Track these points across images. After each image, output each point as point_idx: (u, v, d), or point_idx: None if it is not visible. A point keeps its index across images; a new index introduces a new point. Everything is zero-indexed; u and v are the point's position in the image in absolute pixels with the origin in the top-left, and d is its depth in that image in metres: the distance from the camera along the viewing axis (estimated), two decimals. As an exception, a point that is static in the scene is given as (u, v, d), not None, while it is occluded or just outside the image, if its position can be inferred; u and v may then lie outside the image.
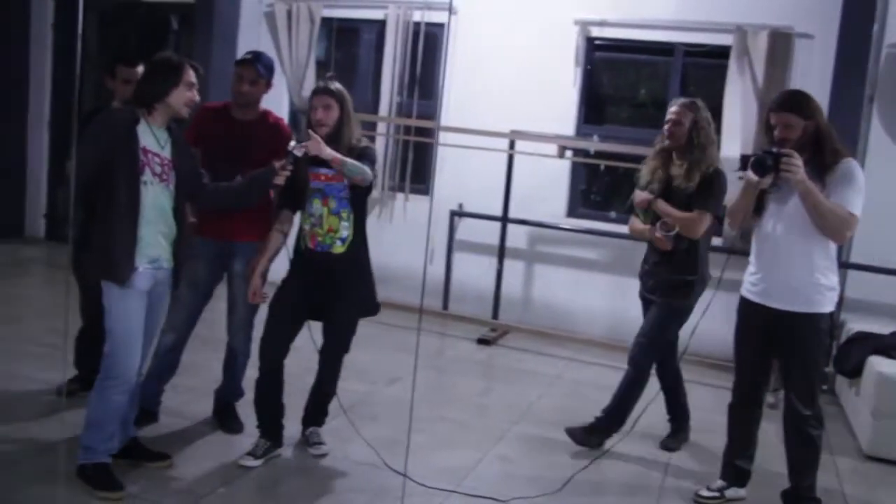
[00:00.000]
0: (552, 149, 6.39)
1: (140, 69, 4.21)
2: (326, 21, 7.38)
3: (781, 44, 6.04)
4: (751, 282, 3.72)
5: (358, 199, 3.80)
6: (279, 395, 3.97)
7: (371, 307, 3.96)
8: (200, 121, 4.08)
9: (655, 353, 4.37)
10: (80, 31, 3.13)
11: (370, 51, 7.48)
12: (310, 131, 3.64)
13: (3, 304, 6.35)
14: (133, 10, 8.22)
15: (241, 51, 7.26)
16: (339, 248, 3.79)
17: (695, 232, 4.11)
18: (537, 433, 4.62)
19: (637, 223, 4.38)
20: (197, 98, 3.52)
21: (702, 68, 6.72)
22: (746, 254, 3.86)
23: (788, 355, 3.67)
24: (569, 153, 6.69)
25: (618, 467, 4.25)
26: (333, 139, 3.69)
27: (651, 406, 4.21)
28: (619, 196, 7.18)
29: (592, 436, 4.41)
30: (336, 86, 3.79)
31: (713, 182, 4.10)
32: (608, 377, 5.80)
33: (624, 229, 6.54)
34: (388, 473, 3.82)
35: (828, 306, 3.57)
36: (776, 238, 3.59)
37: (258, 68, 4.01)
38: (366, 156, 3.74)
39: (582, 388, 5.53)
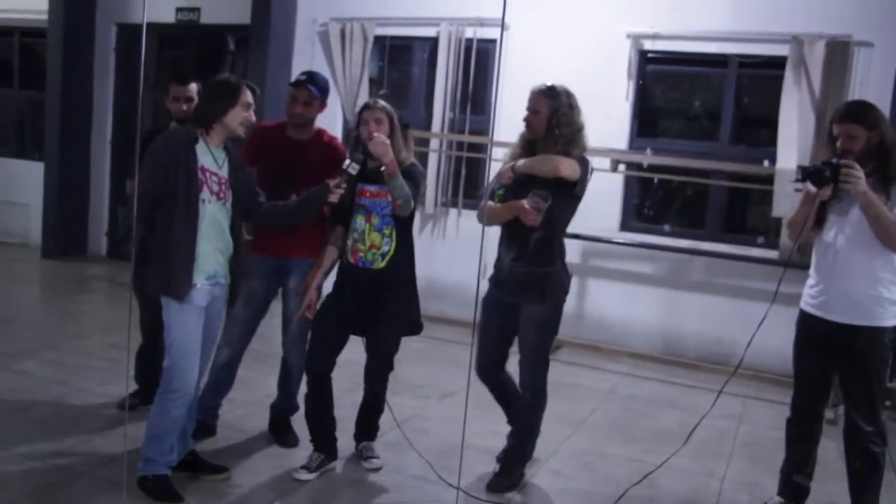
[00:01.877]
0: (605, 163, 6.39)
1: (193, 87, 4.35)
2: (379, 39, 7.50)
3: (839, 53, 5.96)
4: (811, 294, 3.65)
5: (403, 217, 3.86)
6: (329, 409, 4.03)
7: (413, 326, 3.99)
8: (256, 140, 4.19)
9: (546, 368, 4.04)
10: (143, 54, 3.24)
11: (423, 68, 7.59)
12: (375, 134, 3.70)
13: (67, 321, 6.56)
14: (190, 32, 8.47)
15: (296, 70, 7.46)
16: (380, 264, 3.85)
17: (558, 168, 3.66)
18: (591, 447, 4.62)
19: (491, 207, 3.88)
20: (253, 118, 3.62)
21: (757, 79, 6.66)
22: (804, 267, 3.81)
23: (849, 370, 3.58)
24: (622, 167, 6.69)
25: (673, 482, 4.22)
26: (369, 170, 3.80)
27: (706, 420, 4.16)
28: (672, 210, 7.16)
29: (510, 477, 4.01)
30: (384, 103, 3.90)
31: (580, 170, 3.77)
32: (662, 392, 5.79)
33: (679, 243, 6.56)
34: (442, 486, 3.86)
35: (890, 320, 3.47)
36: (837, 250, 3.51)
37: (311, 89, 4.09)
38: (410, 175, 3.80)
39: (636, 403, 5.51)
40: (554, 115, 3.77)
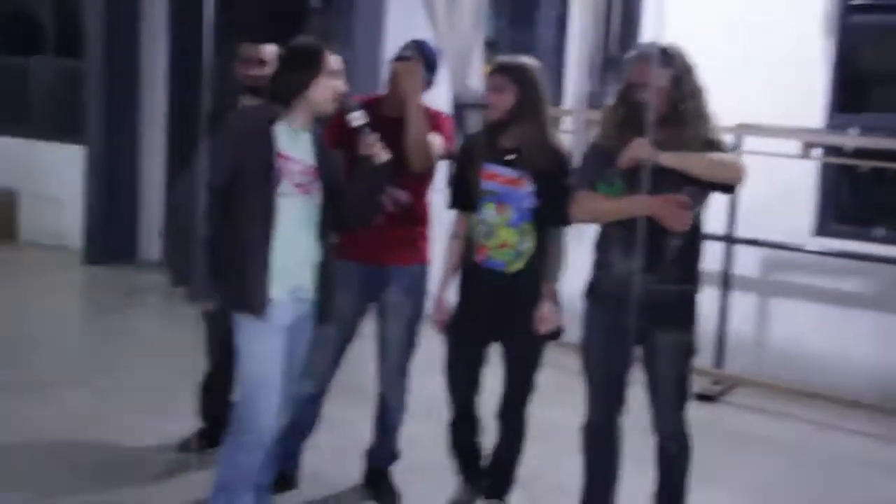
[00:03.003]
0: (793, 146, 6.24)
1: (269, 49, 4.41)
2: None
3: None
4: None
5: (548, 214, 3.87)
6: (475, 436, 4.17)
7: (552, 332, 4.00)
8: (342, 119, 4.23)
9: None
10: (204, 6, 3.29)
11: (552, 25, 7.55)
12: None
13: (116, 341, 6.78)
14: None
15: (390, 31, 7.54)
16: (513, 266, 3.88)
17: (740, 176, 3.59)
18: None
19: (601, 199, 3.70)
20: (343, 88, 3.65)
21: None
22: None
23: None
24: (816, 151, 6.50)
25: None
26: (500, 129, 3.83)
27: None
28: (887, 208, 6.93)
29: None
30: (514, 61, 3.92)
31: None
32: (878, 452, 5.58)
33: (894, 251, 6.35)
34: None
35: None
36: None
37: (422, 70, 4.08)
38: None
39: (841, 464, 5.33)
40: (676, 86, 3.63)
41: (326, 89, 3.55)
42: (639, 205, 3.59)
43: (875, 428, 5.84)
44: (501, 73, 3.86)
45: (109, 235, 9.09)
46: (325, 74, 3.55)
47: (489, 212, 3.87)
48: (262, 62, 4.42)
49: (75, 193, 9.21)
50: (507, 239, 3.86)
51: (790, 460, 5.32)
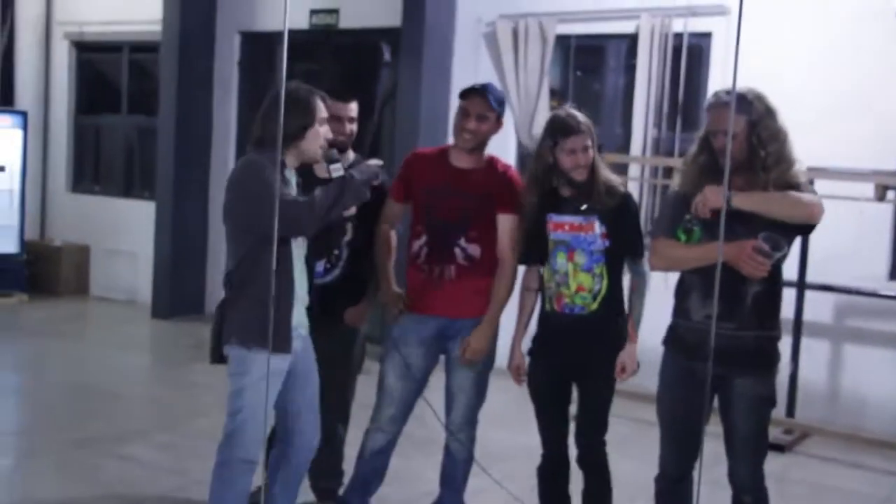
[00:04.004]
0: (868, 189, 6.18)
1: (354, 106, 4.46)
2: (562, 39, 7.59)
3: None
4: None
5: (619, 251, 3.95)
6: (565, 486, 4.20)
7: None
8: (412, 170, 4.31)
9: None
10: (284, 64, 3.37)
11: (618, 73, 7.62)
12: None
13: (183, 395, 6.89)
14: (327, 38, 8.80)
15: (457, 81, 7.64)
16: (592, 307, 3.94)
17: (814, 215, 3.59)
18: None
19: (679, 247, 3.72)
20: (330, 135, 3.84)
21: None
22: None
23: None
24: (893, 194, 6.42)
25: None
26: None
27: None
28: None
29: None
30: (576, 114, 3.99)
31: None
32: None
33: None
34: None
35: None
36: None
37: (489, 100, 4.12)
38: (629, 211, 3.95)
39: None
40: (753, 131, 3.61)
41: (317, 138, 3.72)
42: (715, 252, 3.56)
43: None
44: (574, 125, 3.93)
45: (178, 289, 9.24)
46: (318, 122, 3.71)
47: (561, 260, 3.95)
48: (350, 119, 4.45)
49: (147, 248, 9.42)
50: (581, 283, 3.94)
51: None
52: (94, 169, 10.56)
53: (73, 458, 5.26)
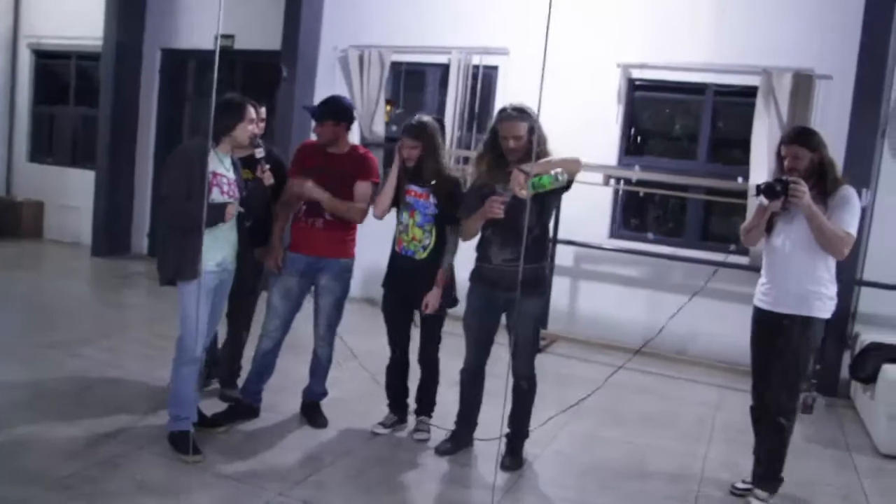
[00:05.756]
0: (598, 177, 6.43)
1: (262, 110, 4.30)
2: (395, 65, 7.53)
3: (804, 84, 6.00)
4: (762, 291, 3.79)
5: (444, 218, 3.98)
6: (404, 379, 4.30)
7: (450, 302, 4.13)
8: (301, 155, 4.25)
9: None
10: (215, 75, 3.34)
11: (434, 90, 7.61)
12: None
13: (118, 312, 6.60)
14: (225, 56, 8.41)
15: (319, 92, 7.48)
16: (421, 255, 3.98)
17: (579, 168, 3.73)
18: (588, 430, 4.66)
19: (466, 223, 3.89)
20: (257, 131, 3.87)
21: (731, 106, 6.71)
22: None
23: (777, 350, 3.65)
24: (612, 182, 6.71)
25: (661, 461, 4.28)
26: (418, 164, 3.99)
27: (687, 406, 4.19)
28: (655, 220, 7.19)
29: (518, 455, 4.04)
30: (420, 122, 4.01)
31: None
32: (644, 381, 5.83)
33: (661, 249, 6.59)
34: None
35: (826, 312, 3.64)
36: (784, 253, 3.67)
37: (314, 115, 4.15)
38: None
39: (622, 391, 5.48)
40: (531, 134, 3.65)
41: (245, 131, 3.69)
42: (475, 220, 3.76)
43: (643, 366, 6.04)
44: (411, 135, 3.98)
45: (111, 234, 8.84)
46: (246, 121, 3.67)
47: (405, 216, 4.02)
48: (262, 119, 4.28)
49: (88, 204, 8.95)
50: (415, 234, 3.99)
51: (592, 389, 5.41)
52: (48, 145, 9.90)
53: (44, 356, 4.99)
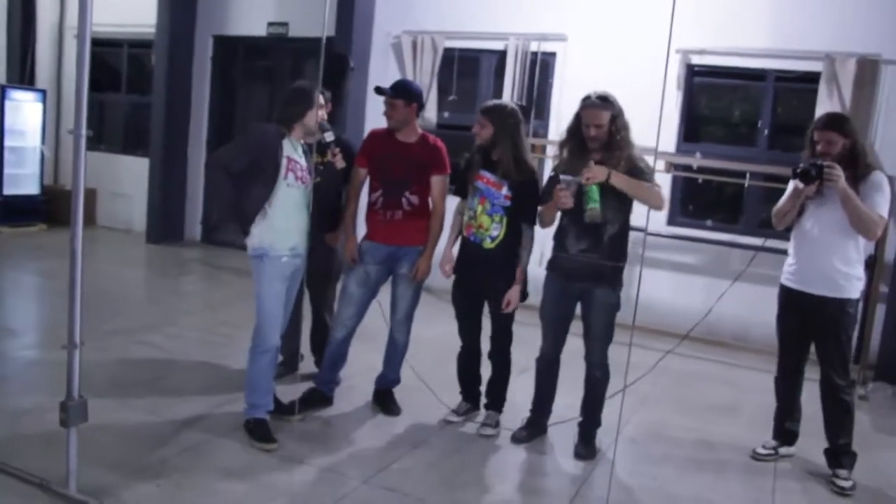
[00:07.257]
0: (660, 164, 6.35)
1: (327, 95, 4.31)
2: (448, 51, 7.48)
3: (869, 70, 5.90)
4: (790, 272, 3.90)
5: (519, 213, 3.91)
6: (477, 368, 4.26)
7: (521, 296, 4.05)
8: (369, 144, 4.21)
9: None
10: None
11: (489, 78, 7.55)
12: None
13: (177, 299, 6.66)
14: (279, 44, 8.48)
15: (373, 78, 7.46)
16: (488, 244, 3.91)
17: (661, 206, 3.75)
18: (657, 419, 4.63)
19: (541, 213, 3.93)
20: (325, 117, 3.91)
21: (792, 92, 6.60)
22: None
23: (822, 334, 3.82)
24: (673, 168, 6.63)
25: (732, 449, 4.25)
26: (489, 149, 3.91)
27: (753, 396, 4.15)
28: (714, 206, 7.10)
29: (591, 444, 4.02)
30: (493, 105, 3.96)
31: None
32: (708, 368, 5.77)
33: (719, 236, 6.52)
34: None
35: (855, 293, 3.74)
36: (814, 236, 3.75)
37: (387, 91, 4.07)
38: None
39: (684, 378, 5.45)
40: (613, 123, 3.68)
41: (314, 118, 3.70)
42: (551, 208, 3.78)
43: (702, 353, 5.98)
44: (483, 113, 3.92)
45: (164, 221, 8.92)
46: (315, 107, 3.70)
47: (475, 202, 3.94)
48: (327, 103, 4.30)
49: (141, 192, 9.03)
50: (482, 223, 3.91)
51: (656, 376, 5.36)
52: (98, 132, 9.93)
53: (111, 342, 5.01)
